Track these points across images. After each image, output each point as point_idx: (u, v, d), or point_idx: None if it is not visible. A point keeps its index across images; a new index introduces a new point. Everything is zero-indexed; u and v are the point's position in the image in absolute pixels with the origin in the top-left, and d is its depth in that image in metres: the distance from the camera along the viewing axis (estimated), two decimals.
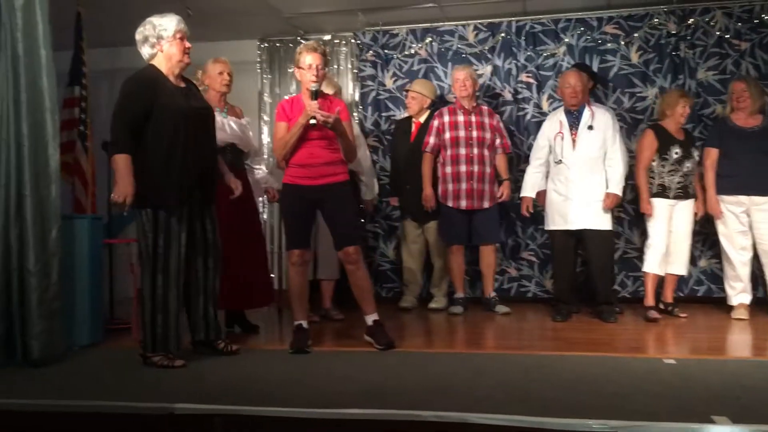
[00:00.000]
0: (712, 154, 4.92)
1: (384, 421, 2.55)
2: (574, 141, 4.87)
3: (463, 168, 5.17)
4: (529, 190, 5.12)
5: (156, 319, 3.46)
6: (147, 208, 3.44)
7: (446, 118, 5.26)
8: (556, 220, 4.94)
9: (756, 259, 4.94)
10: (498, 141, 5.29)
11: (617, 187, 4.82)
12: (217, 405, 2.71)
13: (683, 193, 4.89)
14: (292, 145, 3.81)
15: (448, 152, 5.22)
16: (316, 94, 3.77)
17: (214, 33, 5.99)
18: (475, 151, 5.18)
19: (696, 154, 4.95)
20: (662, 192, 4.89)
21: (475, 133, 5.19)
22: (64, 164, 5.03)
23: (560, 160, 4.90)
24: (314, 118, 3.72)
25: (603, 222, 4.82)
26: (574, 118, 4.93)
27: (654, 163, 4.91)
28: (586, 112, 4.90)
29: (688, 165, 4.88)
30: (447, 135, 5.23)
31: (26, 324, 3.54)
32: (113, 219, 5.23)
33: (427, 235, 5.52)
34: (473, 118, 5.23)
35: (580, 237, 4.93)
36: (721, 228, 4.94)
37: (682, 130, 4.99)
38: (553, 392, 2.84)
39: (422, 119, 5.52)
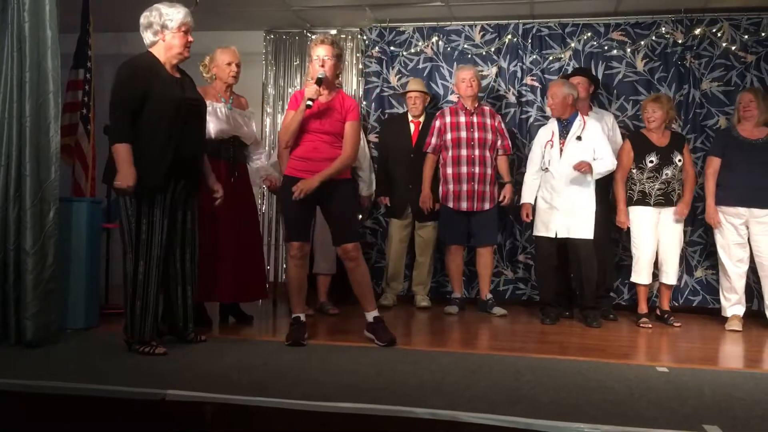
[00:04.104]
0: (714, 163, 4.92)
1: (376, 417, 2.54)
2: (561, 150, 4.86)
3: (464, 169, 5.18)
4: (528, 197, 5.08)
5: (135, 306, 3.46)
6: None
7: (448, 119, 5.26)
8: (539, 227, 4.96)
9: (752, 272, 4.96)
10: (499, 142, 5.29)
11: (598, 166, 4.73)
12: (209, 393, 2.71)
13: (665, 200, 4.89)
14: (294, 130, 3.82)
15: (450, 153, 5.23)
16: (320, 81, 3.83)
17: (220, 22, 5.98)
18: (477, 152, 5.18)
19: (678, 159, 4.91)
20: (642, 199, 4.91)
21: (476, 134, 5.19)
22: (65, 147, 5.04)
23: (547, 168, 4.90)
24: (311, 99, 3.76)
25: (584, 232, 4.79)
26: (563, 128, 4.91)
27: (633, 171, 4.93)
28: (577, 122, 4.88)
29: (667, 172, 4.87)
30: (448, 136, 5.23)
31: (21, 304, 3.55)
32: (112, 203, 5.21)
33: (420, 233, 5.50)
34: (475, 119, 5.23)
35: (566, 246, 4.92)
36: (719, 239, 4.94)
37: (668, 135, 4.97)
38: (545, 395, 2.84)
39: (422, 119, 5.52)
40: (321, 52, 3.87)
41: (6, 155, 3.57)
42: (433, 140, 5.31)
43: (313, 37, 4.18)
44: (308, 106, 3.78)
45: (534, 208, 5.05)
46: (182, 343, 3.72)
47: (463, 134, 5.20)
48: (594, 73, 5.63)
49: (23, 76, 3.57)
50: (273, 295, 5.76)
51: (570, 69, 5.75)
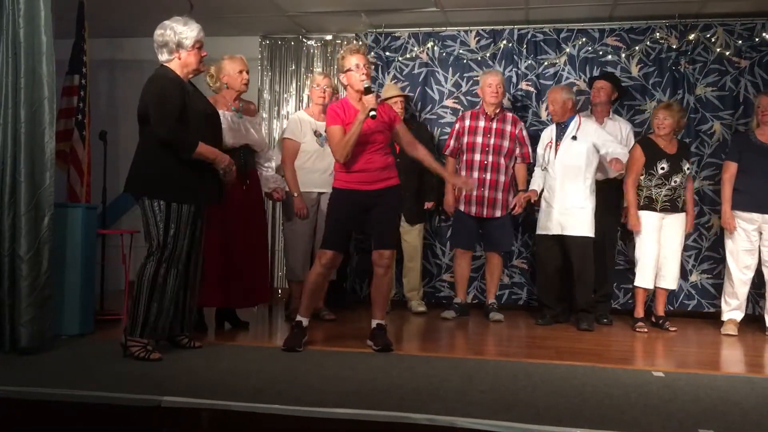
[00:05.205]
0: (731, 168, 4.90)
1: (373, 422, 2.54)
2: (556, 151, 4.95)
3: (475, 174, 5.18)
4: (535, 185, 5.16)
5: (151, 307, 3.47)
6: (161, 200, 3.44)
7: (467, 122, 5.27)
8: (540, 226, 5.07)
9: (754, 278, 4.94)
10: (518, 150, 5.28)
11: (621, 154, 4.76)
12: (205, 399, 2.70)
13: (670, 206, 4.91)
14: (353, 143, 3.76)
15: (464, 157, 5.25)
16: (369, 90, 3.80)
17: (215, 28, 5.95)
18: (490, 158, 5.18)
19: (686, 167, 4.95)
20: (649, 204, 4.92)
21: (492, 141, 5.19)
22: (60, 152, 5.01)
23: (545, 168, 5.02)
24: (374, 110, 3.72)
25: (581, 229, 4.85)
26: (560, 131, 5.01)
27: (642, 177, 4.95)
28: (573, 124, 4.96)
29: (676, 179, 4.89)
30: (465, 139, 5.25)
31: (15, 311, 3.53)
32: (107, 209, 5.20)
33: (405, 238, 5.48)
34: (494, 125, 5.22)
35: (564, 244, 4.94)
36: (729, 244, 4.92)
37: (676, 143, 5.00)
38: (542, 400, 2.84)
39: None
40: (357, 60, 3.83)
41: (1, 161, 3.56)
42: (452, 143, 5.33)
43: (343, 48, 4.16)
44: (372, 116, 3.72)
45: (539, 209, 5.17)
46: (177, 349, 3.71)
47: (479, 139, 5.21)
48: (588, 78, 5.65)
49: (18, 81, 3.57)
50: (269, 301, 5.75)
51: (565, 74, 5.78)
